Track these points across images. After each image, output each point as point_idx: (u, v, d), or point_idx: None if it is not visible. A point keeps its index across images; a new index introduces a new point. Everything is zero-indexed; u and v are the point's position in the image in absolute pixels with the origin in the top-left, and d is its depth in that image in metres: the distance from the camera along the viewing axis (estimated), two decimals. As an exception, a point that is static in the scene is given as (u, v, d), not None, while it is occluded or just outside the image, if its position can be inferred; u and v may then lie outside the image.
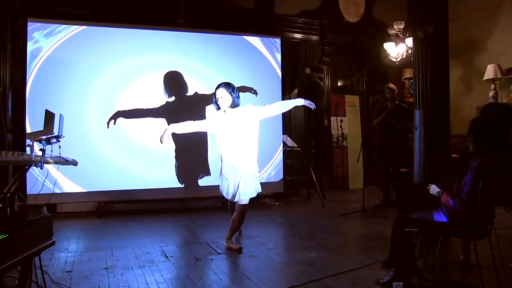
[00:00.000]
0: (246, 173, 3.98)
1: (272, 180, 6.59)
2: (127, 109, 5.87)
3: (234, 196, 4.03)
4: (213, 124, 4.08)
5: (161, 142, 3.97)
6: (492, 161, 2.79)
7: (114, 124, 5.79)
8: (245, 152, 3.98)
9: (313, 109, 4.18)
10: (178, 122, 4.18)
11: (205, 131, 4.08)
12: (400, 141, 6.07)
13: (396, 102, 6.23)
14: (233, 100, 3.94)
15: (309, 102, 4.07)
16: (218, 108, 4.00)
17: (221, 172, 4.14)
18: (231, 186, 4.01)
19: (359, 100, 8.81)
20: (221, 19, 7.00)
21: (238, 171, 3.97)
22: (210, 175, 6.12)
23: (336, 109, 8.07)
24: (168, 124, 5.81)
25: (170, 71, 6.08)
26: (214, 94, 4.01)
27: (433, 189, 3.06)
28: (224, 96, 3.92)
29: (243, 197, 4.02)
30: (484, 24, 7.60)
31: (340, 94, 8.77)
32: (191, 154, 6.16)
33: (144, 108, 5.93)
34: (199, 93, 6.17)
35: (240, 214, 4.11)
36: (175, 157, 6.04)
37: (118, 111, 5.83)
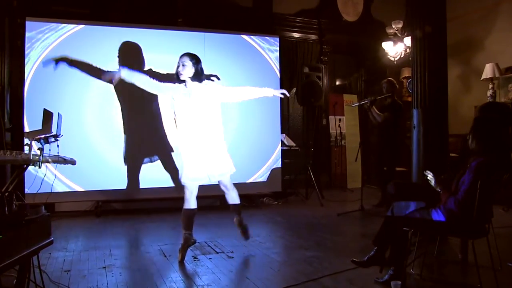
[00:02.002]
0: (212, 151, 3.73)
1: (270, 179, 6.59)
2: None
3: (204, 178, 3.74)
4: (173, 92, 3.76)
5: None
6: (490, 161, 2.80)
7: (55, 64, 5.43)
8: (210, 129, 3.73)
9: (284, 97, 3.97)
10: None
11: (157, 93, 3.81)
12: (392, 140, 6.07)
13: (395, 98, 6.22)
14: (196, 72, 3.68)
15: (280, 92, 3.89)
16: (178, 77, 3.71)
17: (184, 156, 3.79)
18: (197, 168, 3.70)
19: (358, 99, 8.81)
20: (219, 18, 7.00)
21: (203, 150, 3.69)
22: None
23: (334, 108, 8.07)
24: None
25: (128, 41, 5.86)
26: (177, 62, 3.75)
27: (432, 181, 3.07)
28: (186, 64, 3.66)
29: (216, 177, 3.78)
30: (482, 23, 7.61)
31: (338, 93, 8.77)
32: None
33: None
34: (153, 69, 5.97)
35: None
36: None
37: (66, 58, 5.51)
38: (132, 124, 5.90)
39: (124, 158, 5.84)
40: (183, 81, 3.71)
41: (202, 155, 3.70)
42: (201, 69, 3.73)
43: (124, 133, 5.86)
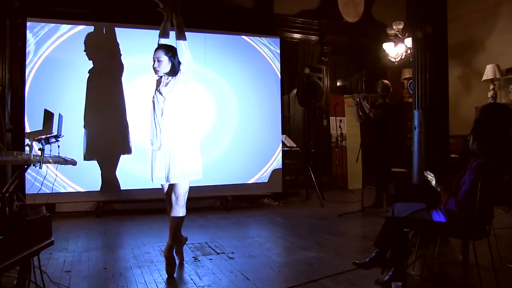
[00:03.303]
0: (182, 148, 3.46)
1: (271, 180, 6.58)
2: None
3: (167, 178, 3.46)
4: (156, 83, 3.57)
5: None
6: (491, 162, 2.80)
7: None
8: (182, 124, 3.47)
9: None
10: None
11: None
12: (383, 141, 6.10)
13: (386, 100, 6.23)
14: (173, 66, 3.44)
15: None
16: (155, 72, 3.49)
17: (153, 153, 3.52)
18: (162, 164, 3.45)
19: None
20: (220, 19, 7.00)
21: (173, 145, 3.43)
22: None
23: (335, 109, 8.08)
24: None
25: (91, 33, 5.69)
26: (153, 55, 3.49)
27: (432, 181, 3.07)
28: (162, 59, 3.41)
29: (180, 179, 3.46)
30: (483, 24, 7.61)
31: (339, 94, 8.77)
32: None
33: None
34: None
35: (177, 228, 3.59)
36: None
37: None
38: (103, 118, 5.81)
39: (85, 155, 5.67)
40: (160, 77, 3.51)
41: (175, 154, 3.44)
42: (178, 62, 3.46)
43: (85, 127, 5.68)
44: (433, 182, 3.05)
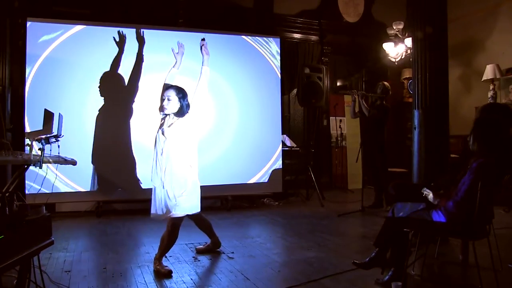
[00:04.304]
0: (180, 187, 3.46)
1: (271, 180, 6.58)
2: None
3: (168, 210, 3.45)
4: (161, 119, 3.59)
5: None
6: (491, 162, 2.79)
7: None
8: (184, 160, 3.47)
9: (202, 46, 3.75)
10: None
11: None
12: (377, 142, 6.12)
13: (384, 102, 6.24)
14: (181, 107, 3.45)
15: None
16: (162, 110, 3.49)
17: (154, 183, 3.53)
18: (164, 197, 3.46)
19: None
20: (220, 19, 7.00)
21: (171, 184, 3.44)
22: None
23: (335, 109, 8.07)
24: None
25: (108, 72, 5.81)
26: (162, 94, 3.54)
27: (429, 196, 3.07)
28: (172, 99, 3.41)
29: (179, 211, 3.46)
30: (483, 24, 7.61)
31: (339, 94, 8.77)
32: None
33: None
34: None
35: (171, 230, 3.50)
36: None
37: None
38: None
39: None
40: (166, 115, 3.51)
41: (174, 192, 3.44)
42: (187, 105, 3.48)
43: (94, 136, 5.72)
44: (430, 196, 3.05)
